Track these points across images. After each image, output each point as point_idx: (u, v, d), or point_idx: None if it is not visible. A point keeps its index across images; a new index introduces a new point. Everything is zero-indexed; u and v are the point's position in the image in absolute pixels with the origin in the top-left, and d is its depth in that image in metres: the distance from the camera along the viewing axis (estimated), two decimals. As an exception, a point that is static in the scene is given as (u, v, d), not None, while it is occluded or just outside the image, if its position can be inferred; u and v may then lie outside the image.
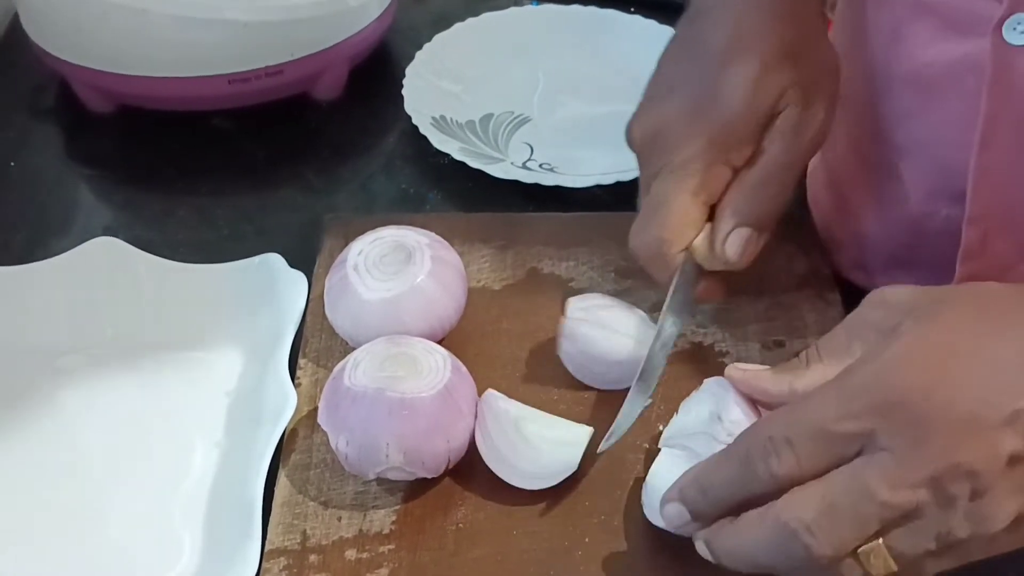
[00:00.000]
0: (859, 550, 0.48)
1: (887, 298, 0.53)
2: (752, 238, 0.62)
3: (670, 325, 0.63)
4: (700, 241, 0.63)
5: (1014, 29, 0.57)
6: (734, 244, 0.62)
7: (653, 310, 0.69)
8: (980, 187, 0.62)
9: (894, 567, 0.48)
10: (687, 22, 0.67)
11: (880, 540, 0.47)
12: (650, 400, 0.61)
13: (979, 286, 0.53)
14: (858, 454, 0.48)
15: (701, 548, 0.52)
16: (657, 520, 0.56)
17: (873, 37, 0.67)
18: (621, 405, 0.60)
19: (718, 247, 0.62)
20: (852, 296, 0.71)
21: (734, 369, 0.57)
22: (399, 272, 0.64)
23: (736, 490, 0.50)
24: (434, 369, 0.59)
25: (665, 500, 0.53)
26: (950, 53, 0.62)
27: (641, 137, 0.65)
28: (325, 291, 0.66)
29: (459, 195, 0.82)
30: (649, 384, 0.61)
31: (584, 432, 0.60)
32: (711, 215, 0.63)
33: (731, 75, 0.62)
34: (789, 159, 0.63)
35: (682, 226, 0.62)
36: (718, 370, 0.65)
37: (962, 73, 0.61)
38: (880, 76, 0.67)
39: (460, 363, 0.61)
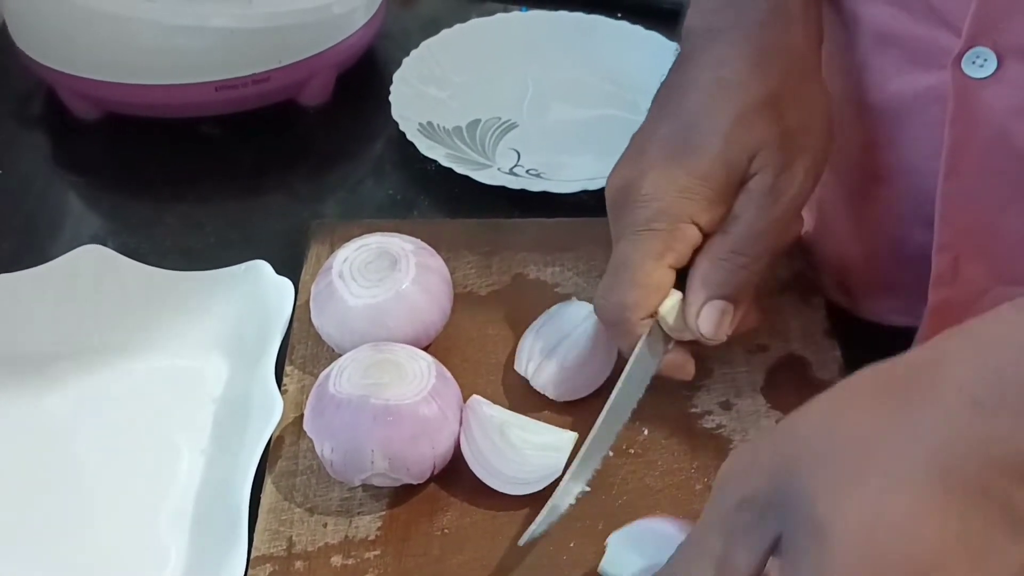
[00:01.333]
0: None
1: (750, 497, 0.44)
2: (728, 311, 0.59)
3: (624, 399, 0.59)
4: (669, 309, 0.59)
5: (973, 63, 0.57)
6: (708, 318, 0.59)
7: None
8: (947, 215, 0.61)
9: None
10: (674, 69, 0.64)
11: None
12: (587, 488, 0.57)
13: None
14: None
15: None
16: None
17: (843, 67, 0.66)
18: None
19: (691, 321, 0.59)
20: (833, 312, 0.71)
21: None
22: (384, 279, 0.64)
23: None
24: (419, 375, 0.59)
25: None
26: (915, 84, 0.62)
27: (611, 192, 0.61)
28: (311, 298, 0.66)
29: (446, 201, 0.83)
30: (588, 468, 0.57)
31: (569, 437, 0.60)
32: (680, 280, 0.60)
33: (703, 129, 0.59)
34: (761, 227, 0.59)
35: (645, 291, 0.59)
36: (703, 373, 0.66)
37: (927, 104, 0.61)
38: (852, 105, 0.66)
39: (445, 369, 0.61)
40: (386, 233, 0.67)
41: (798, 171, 0.60)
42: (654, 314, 0.60)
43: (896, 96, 0.64)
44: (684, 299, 0.60)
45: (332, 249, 0.69)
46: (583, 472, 0.57)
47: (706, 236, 0.60)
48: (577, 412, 0.64)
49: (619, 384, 0.59)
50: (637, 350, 0.59)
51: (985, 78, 0.57)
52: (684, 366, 0.62)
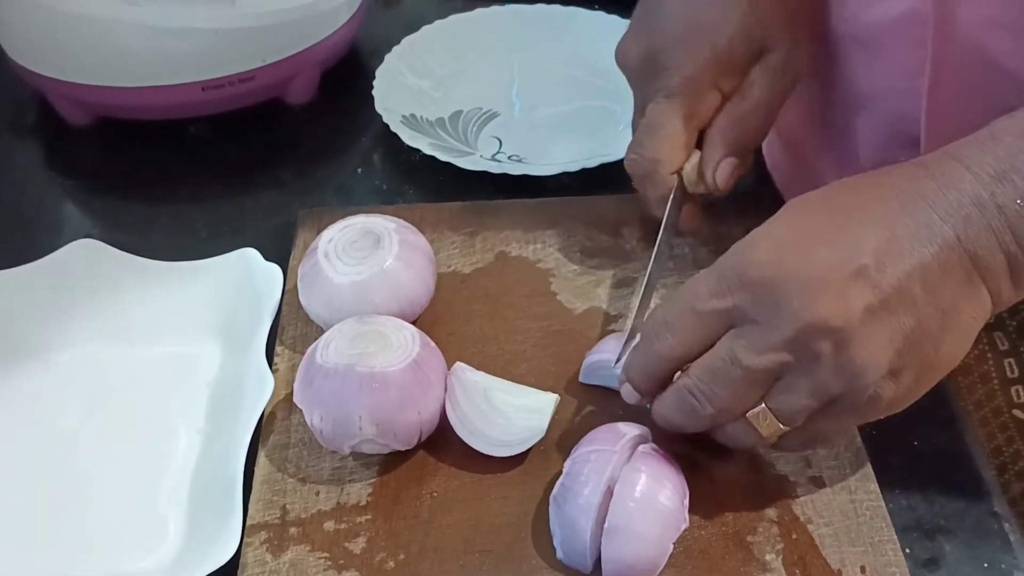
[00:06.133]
0: (748, 414, 0.54)
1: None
2: (738, 166, 0.67)
3: (665, 244, 0.67)
4: (689, 167, 0.67)
5: None
6: (723, 171, 0.67)
7: (618, 286, 0.71)
8: (932, 131, 0.64)
9: (781, 427, 0.54)
10: None
11: (763, 404, 0.54)
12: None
13: (832, 184, 0.56)
14: (730, 329, 0.53)
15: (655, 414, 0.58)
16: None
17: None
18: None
19: (708, 174, 0.67)
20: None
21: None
22: (368, 256, 0.66)
23: (649, 370, 0.57)
24: (403, 344, 0.61)
25: (620, 382, 0.59)
26: (893, 10, 0.65)
27: (636, 59, 0.69)
28: (299, 279, 0.68)
29: (431, 189, 0.84)
30: (645, 308, 0.66)
31: (550, 399, 0.62)
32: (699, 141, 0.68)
33: (726, 4, 0.66)
34: (773, 95, 0.67)
35: (675, 148, 0.67)
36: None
37: (906, 26, 0.64)
38: (828, 39, 0.69)
39: (429, 339, 0.63)
40: (370, 214, 0.69)
41: (804, 51, 0.68)
42: (678, 171, 0.67)
43: (875, 24, 0.67)
44: (702, 156, 0.67)
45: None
46: (644, 306, 0.66)
47: (724, 99, 0.67)
48: (558, 380, 0.66)
49: (661, 233, 0.67)
50: (668, 205, 0.67)
51: None
52: (697, 220, 0.71)
